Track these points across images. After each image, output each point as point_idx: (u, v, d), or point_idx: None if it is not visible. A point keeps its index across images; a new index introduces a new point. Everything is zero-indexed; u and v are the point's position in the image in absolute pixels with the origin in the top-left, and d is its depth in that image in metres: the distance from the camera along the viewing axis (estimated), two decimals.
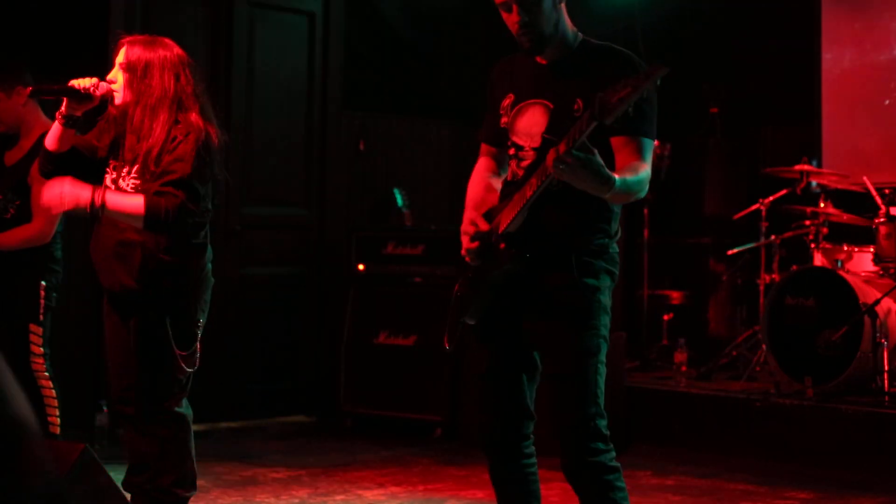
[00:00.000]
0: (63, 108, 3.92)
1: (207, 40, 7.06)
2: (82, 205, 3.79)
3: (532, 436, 3.37)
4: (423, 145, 8.13)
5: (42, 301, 4.87)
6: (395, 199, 7.70)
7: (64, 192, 3.80)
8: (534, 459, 3.39)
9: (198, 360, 4.03)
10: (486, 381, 3.35)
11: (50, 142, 3.98)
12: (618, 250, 3.31)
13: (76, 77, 3.93)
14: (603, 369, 3.22)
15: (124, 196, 3.84)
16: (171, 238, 3.94)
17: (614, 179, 2.94)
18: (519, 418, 3.33)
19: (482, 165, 3.48)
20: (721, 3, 8.50)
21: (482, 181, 3.43)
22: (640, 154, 3.14)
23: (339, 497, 5.26)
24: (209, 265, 4.09)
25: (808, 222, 6.73)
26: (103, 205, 3.79)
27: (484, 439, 3.38)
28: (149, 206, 3.80)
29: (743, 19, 8.46)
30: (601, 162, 2.90)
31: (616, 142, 3.16)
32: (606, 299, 3.25)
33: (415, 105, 8.10)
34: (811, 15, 7.88)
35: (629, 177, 3.04)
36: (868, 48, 7.58)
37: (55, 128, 3.95)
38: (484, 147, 3.51)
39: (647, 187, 3.15)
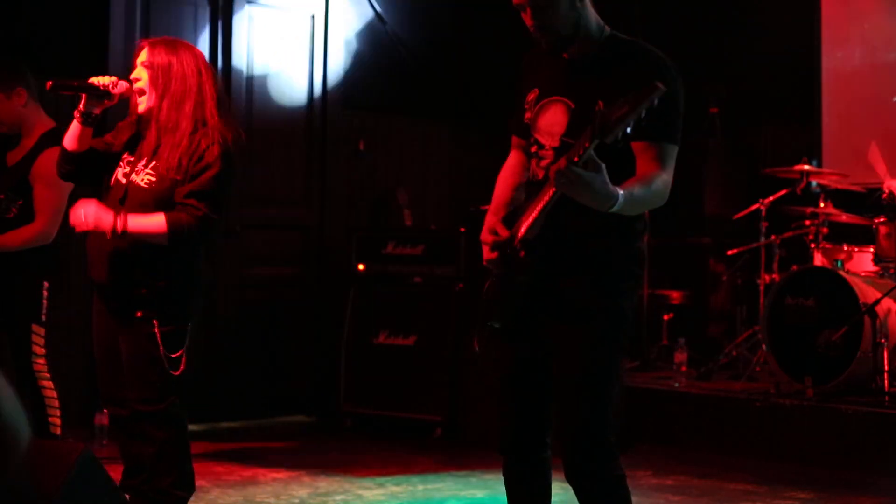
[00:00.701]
0: (81, 106, 3.93)
1: (207, 40, 7.07)
2: (103, 229, 3.82)
3: (549, 443, 3.31)
4: (423, 145, 8.13)
5: (45, 301, 4.86)
6: (395, 198, 7.70)
7: (88, 214, 3.82)
8: (549, 465, 3.34)
9: (184, 362, 4.02)
10: (508, 385, 3.30)
11: (69, 142, 3.99)
12: (642, 250, 3.25)
13: (91, 76, 3.97)
14: (616, 379, 3.17)
15: (145, 217, 3.86)
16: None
17: (617, 196, 2.89)
18: (537, 423, 3.28)
19: (512, 161, 3.43)
20: (721, 2, 8.50)
21: (510, 179, 3.38)
22: (659, 161, 3.07)
23: (339, 497, 5.26)
24: (202, 267, 4.09)
25: (808, 222, 6.73)
26: (125, 230, 3.82)
27: (502, 441, 3.34)
28: (170, 223, 3.84)
29: (743, 19, 8.46)
30: (605, 179, 2.85)
31: (636, 147, 3.08)
32: (627, 302, 3.19)
33: (415, 105, 8.10)
34: (811, 15, 7.88)
35: (637, 190, 2.98)
36: (874, 47, 7.58)
37: (74, 126, 3.97)
38: (514, 140, 3.44)
39: (665, 194, 3.09)
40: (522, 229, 3.11)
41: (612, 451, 3.16)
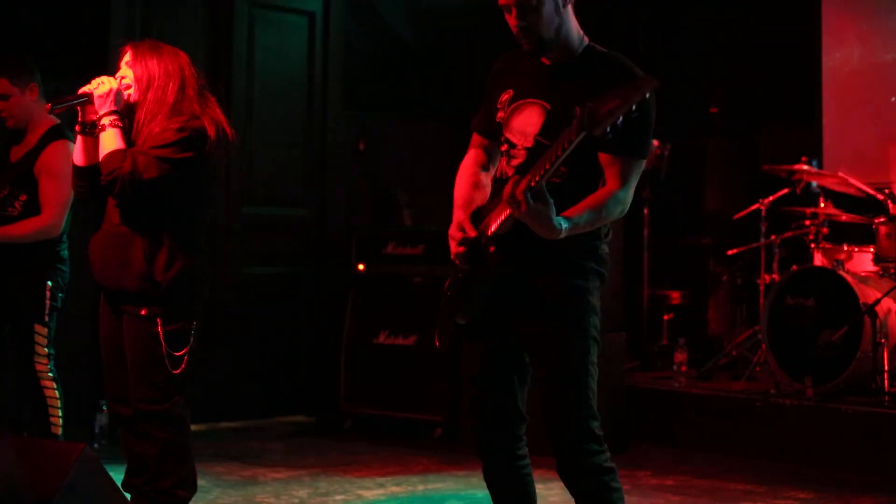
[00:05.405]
0: (80, 118, 3.98)
1: (207, 40, 7.06)
2: (97, 107, 3.90)
3: (524, 437, 3.37)
4: (423, 145, 8.13)
5: (48, 301, 4.86)
6: (395, 198, 7.70)
7: (103, 85, 3.93)
8: (527, 460, 3.39)
9: (187, 362, 4.02)
10: (478, 384, 3.35)
11: (77, 157, 4.03)
12: (608, 251, 3.31)
13: (77, 82, 4.01)
14: (594, 370, 3.22)
15: (116, 138, 3.90)
16: (172, 237, 3.95)
17: (561, 229, 3.00)
18: (511, 420, 3.33)
19: (471, 159, 3.46)
20: (721, 2, 8.50)
21: (470, 177, 3.40)
22: (622, 175, 3.14)
23: (339, 497, 5.26)
24: (204, 267, 4.10)
25: (808, 222, 6.73)
26: (104, 126, 3.89)
27: (477, 442, 3.39)
28: (114, 153, 3.86)
29: (743, 19, 8.46)
30: (550, 215, 2.97)
31: (603, 158, 3.16)
32: (596, 300, 3.25)
33: (415, 105, 8.10)
34: (811, 15, 7.88)
35: (585, 217, 3.07)
36: (874, 47, 7.57)
37: (78, 143, 4.02)
38: (476, 138, 3.48)
39: (622, 209, 3.17)
40: (493, 226, 3.15)
41: (599, 444, 3.21)
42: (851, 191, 6.80)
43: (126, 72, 4.02)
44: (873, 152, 7.46)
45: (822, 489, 5.46)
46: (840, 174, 6.70)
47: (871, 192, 6.58)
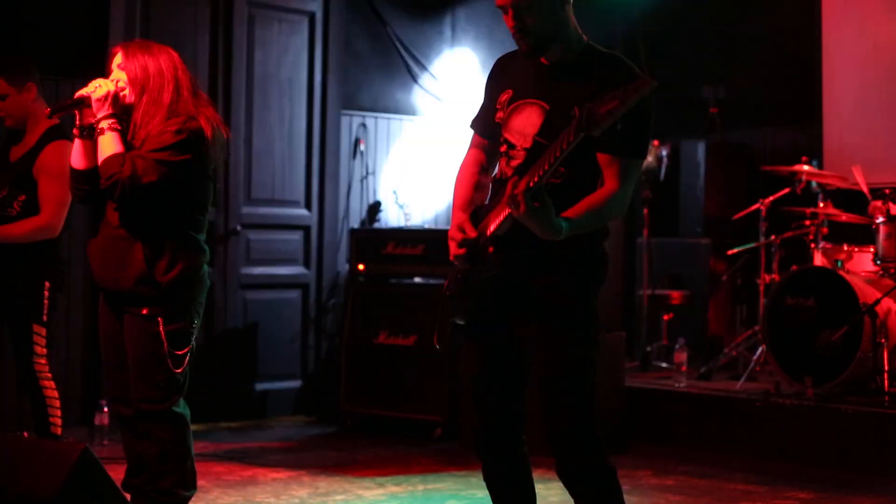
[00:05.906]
0: (77, 121, 3.96)
1: (207, 40, 7.06)
2: (94, 110, 3.90)
3: (524, 437, 3.37)
4: (423, 146, 8.13)
5: (46, 301, 4.86)
6: (395, 198, 7.71)
7: (101, 88, 3.91)
8: (527, 460, 3.40)
9: (189, 361, 4.02)
10: (478, 384, 3.35)
11: (76, 160, 4.01)
12: (607, 251, 3.31)
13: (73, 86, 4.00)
14: (593, 371, 3.22)
15: (115, 142, 3.89)
16: (172, 237, 3.96)
17: (561, 229, 3.00)
18: (511, 420, 3.33)
19: (470, 159, 3.45)
20: (721, 2, 8.50)
21: (470, 178, 3.40)
22: (620, 175, 3.13)
23: (339, 497, 5.26)
24: (206, 267, 4.10)
25: (808, 222, 6.73)
26: (102, 130, 3.89)
27: (477, 442, 3.39)
28: (113, 157, 3.85)
29: (743, 19, 8.46)
30: (550, 215, 2.97)
31: (602, 158, 3.16)
32: (595, 301, 3.26)
33: (414, 105, 8.09)
34: (811, 15, 7.88)
35: (584, 217, 3.08)
36: (874, 47, 7.57)
37: (77, 146, 4.00)
38: (476, 138, 3.48)
39: (622, 208, 3.18)
40: (492, 226, 3.15)
41: (599, 445, 3.21)
42: (848, 186, 6.80)
43: (119, 74, 4.00)
44: (874, 153, 7.46)
45: (822, 489, 5.46)
46: (854, 170, 6.68)
47: (868, 196, 6.58)
